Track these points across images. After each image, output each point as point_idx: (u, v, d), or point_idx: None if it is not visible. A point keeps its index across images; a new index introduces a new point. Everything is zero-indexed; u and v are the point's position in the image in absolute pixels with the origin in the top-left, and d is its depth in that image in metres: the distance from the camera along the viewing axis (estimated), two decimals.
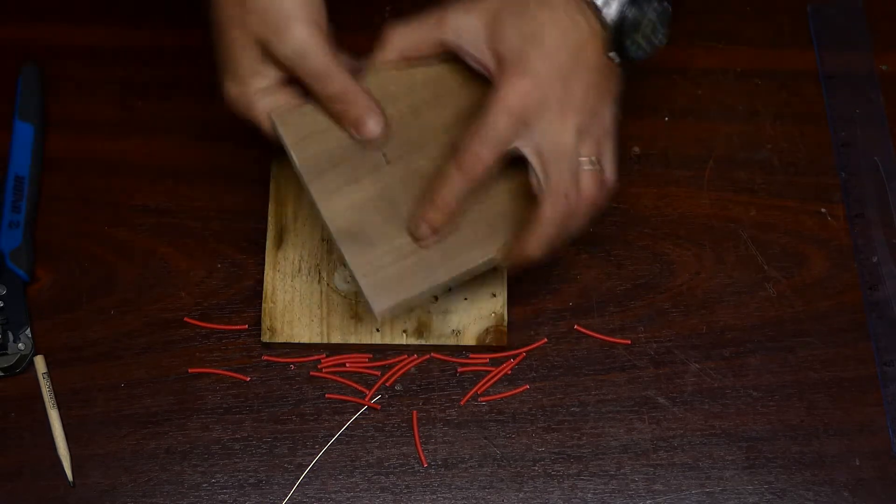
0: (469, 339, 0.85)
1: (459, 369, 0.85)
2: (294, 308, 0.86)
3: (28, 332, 0.85)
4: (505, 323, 0.86)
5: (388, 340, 0.85)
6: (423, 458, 0.83)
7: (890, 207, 0.90)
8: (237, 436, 0.83)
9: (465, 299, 0.86)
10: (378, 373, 0.85)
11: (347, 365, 0.85)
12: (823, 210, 0.91)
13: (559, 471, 0.83)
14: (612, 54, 0.76)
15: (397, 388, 0.85)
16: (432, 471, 0.83)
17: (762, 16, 0.97)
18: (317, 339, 0.85)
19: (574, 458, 0.83)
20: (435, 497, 0.82)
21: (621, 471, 0.83)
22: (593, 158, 0.76)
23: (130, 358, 0.85)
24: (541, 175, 0.75)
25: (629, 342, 0.86)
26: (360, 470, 0.83)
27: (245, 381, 0.85)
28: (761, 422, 0.85)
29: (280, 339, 0.85)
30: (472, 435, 0.84)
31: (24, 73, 0.91)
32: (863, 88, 0.94)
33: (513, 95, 0.73)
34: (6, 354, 0.84)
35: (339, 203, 0.77)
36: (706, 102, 0.94)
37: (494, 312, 0.86)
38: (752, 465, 0.83)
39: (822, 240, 0.90)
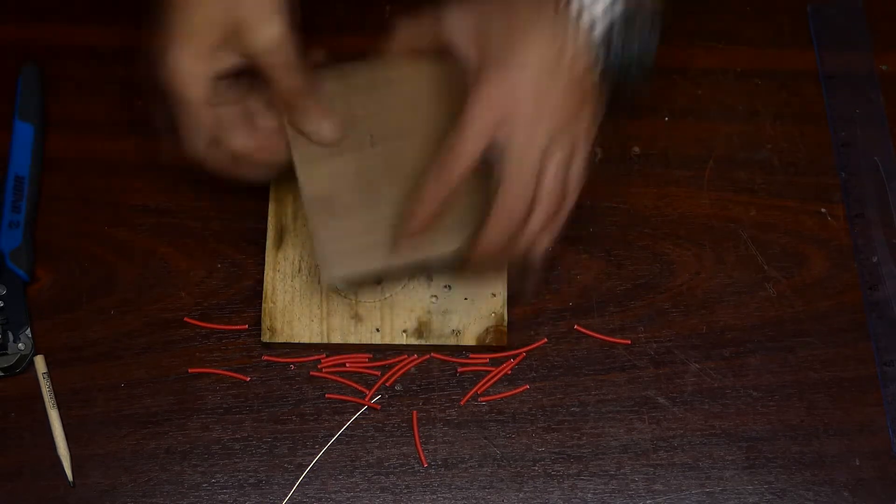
0: (469, 339, 0.85)
1: (459, 369, 0.85)
2: (294, 308, 0.86)
3: (28, 332, 0.85)
4: (505, 323, 0.86)
5: (388, 340, 0.85)
6: (423, 458, 0.83)
7: (890, 207, 0.90)
8: (237, 436, 0.83)
9: (466, 299, 0.86)
10: (378, 373, 0.85)
11: (347, 365, 0.85)
12: (823, 210, 0.91)
13: (559, 471, 0.83)
14: (595, 70, 0.77)
15: (397, 388, 0.85)
16: (432, 471, 0.83)
17: (762, 16, 0.97)
18: (317, 339, 0.85)
19: (574, 458, 0.83)
20: (435, 497, 0.82)
21: (621, 471, 0.83)
22: (558, 162, 0.77)
23: (130, 358, 0.85)
24: (504, 169, 0.76)
25: (629, 342, 0.86)
26: (360, 470, 0.83)
27: (245, 381, 0.85)
28: (761, 422, 0.85)
29: (280, 339, 0.85)
30: (472, 435, 0.84)
31: (24, 73, 0.91)
32: (863, 88, 0.94)
33: (493, 92, 0.75)
34: (6, 354, 0.84)
35: (316, 171, 0.80)
36: (706, 102, 0.94)
37: (494, 312, 0.86)
38: (752, 465, 0.83)
39: (822, 240, 0.90)
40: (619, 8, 0.76)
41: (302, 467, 0.83)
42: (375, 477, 0.83)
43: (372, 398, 0.85)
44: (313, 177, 0.80)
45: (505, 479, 0.83)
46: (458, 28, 0.78)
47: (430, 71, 0.81)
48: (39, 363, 0.85)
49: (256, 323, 0.86)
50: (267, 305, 0.85)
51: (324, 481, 0.83)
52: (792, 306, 0.88)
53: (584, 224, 0.89)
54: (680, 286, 0.88)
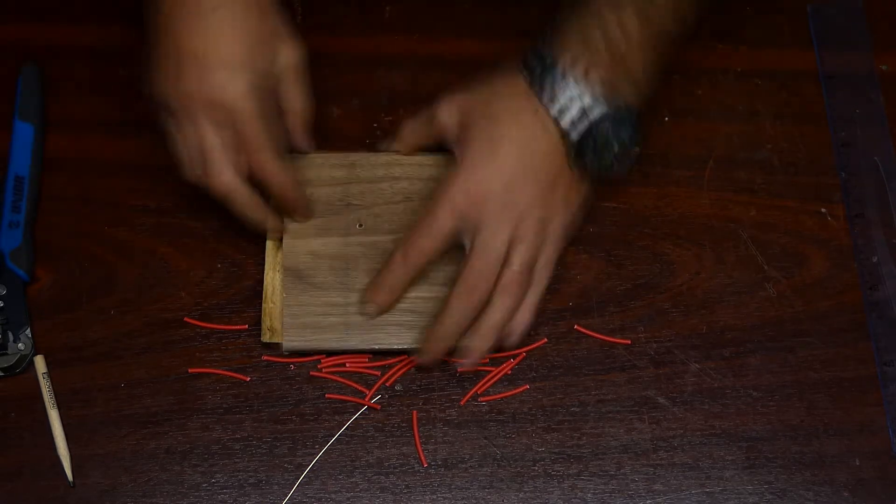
0: None
1: (459, 369, 0.85)
2: None
3: (28, 332, 0.85)
4: None
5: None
6: (423, 458, 0.83)
7: (890, 207, 0.90)
8: (237, 436, 0.83)
9: None
10: (378, 373, 0.85)
11: (347, 365, 0.85)
12: (823, 210, 0.91)
13: (559, 471, 0.83)
14: (574, 168, 0.81)
15: (397, 388, 0.85)
16: (432, 471, 0.83)
17: (762, 16, 0.97)
18: None
19: (574, 458, 0.83)
20: (435, 497, 0.82)
21: (621, 471, 0.83)
22: (522, 253, 0.81)
23: (130, 358, 0.85)
24: (468, 254, 0.81)
25: (629, 342, 0.86)
26: (360, 470, 0.83)
27: (245, 381, 0.85)
28: (761, 422, 0.85)
29: (280, 339, 0.85)
30: (472, 435, 0.84)
31: (24, 73, 0.91)
32: (863, 88, 0.94)
33: (457, 192, 0.80)
34: (6, 354, 0.84)
35: (301, 245, 0.86)
36: (706, 102, 0.94)
37: None
38: (752, 465, 0.83)
39: (822, 240, 0.90)
40: (598, 111, 0.80)
41: (302, 467, 0.83)
42: (375, 477, 0.83)
43: (372, 398, 0.85)
44: (297, 250, 0.86)
45: (505, 479, 0.83)
46: (447, 119, 0.83)
47: (432, 170, 0.87)
48: (39, 363, 0.85)
49: (256, 323, 0.86)
50: (267, 305, 0.85)
51: (324, 481, 0.83)
52: (792, 306, 0.88)
53: (584, 224, 0.89)
54: (680, 286, 0.88)
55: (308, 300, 0.85)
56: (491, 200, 0.80)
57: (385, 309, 0.84)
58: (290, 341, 0.84)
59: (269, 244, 0.87)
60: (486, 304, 0.81)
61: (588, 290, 0.88)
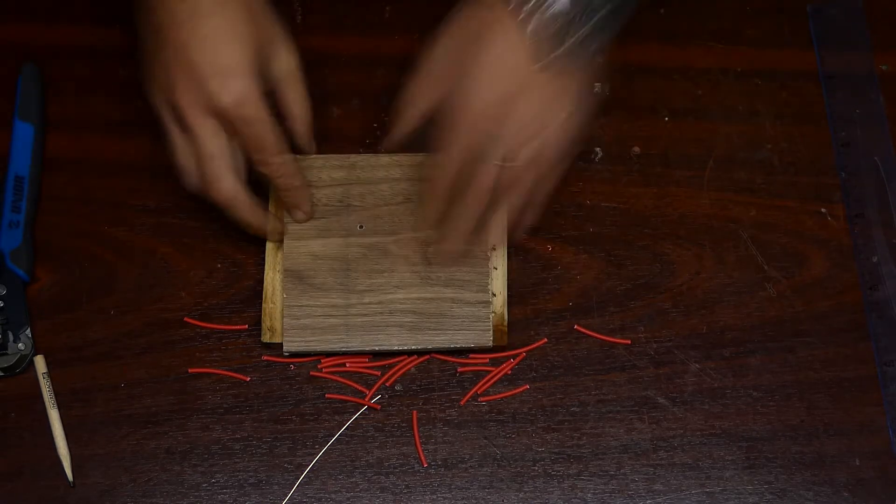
0: None
1: (459, 369, 0.85)
2: None
3: (28, 332, 0.85)
4: (505, 323, 0.86)
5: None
6: (423, 458, 0.83)
7: (890, 207, 0.90)
8: (237, 436, 0.83)
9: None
10: (378, 373, 0.85)
11: (347, 365, 0.85)
12: (823, 210, 0.91)
13: (559, 471, 0.83)
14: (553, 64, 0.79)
15: (397, 388, 0.85)
16: (432, 471, 0.83)
17: (762, 16, 0.97)
18: None
19: (574, 458, 0.83)
20: (435, 497, 0.82)
21: (621, 471, 0.83)
22: (525, 160, 0.80)
23: (130, 358, 0.85)
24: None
25: (629, 342, 0.86)
26: (360, 470, 0.83)
27: (245, 381, 0.85)
28: (761, 422, 0.85)
29: (280, 339, 0.85)
30: (472, 435, 0.84)
31: (24, 73, 0.91)
32: (863, 88, 0.94)
33: (461, 116, 0.79)
34: (6, 354, 0.84)
35: (301, 247, 0.85)
36: (706, 102, 0.94)
37: (494, 312, 0.86)
38: (752, 465, 0.83)
39: (822, 240, 0.90)
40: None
41: (302, 467, 0.83)
42: (375, 477, 0.83)
43: (372, 398, 0.85)
44: (297, 251, 0.86)
45: (505, 479, 0.83)
46: (436, 56, 0.81)
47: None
48: (39, 363, 0.85)
49: (256, 323, 0.86)
50: (267, 305, 0.86)
51: (324, 481, 0.83)
52: (792, 306, 0.88)
53: (584, 224, 0.90)
54: (680, 286, 0.88)
55: (308, 302, 0.85)
56: (489, 115, 0.78)
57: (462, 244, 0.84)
58: (290, 343, 0.84)
59: (270, 244, 0.87)
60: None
61: (588, 290, 0.88)
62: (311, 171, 0.87)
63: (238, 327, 0.86)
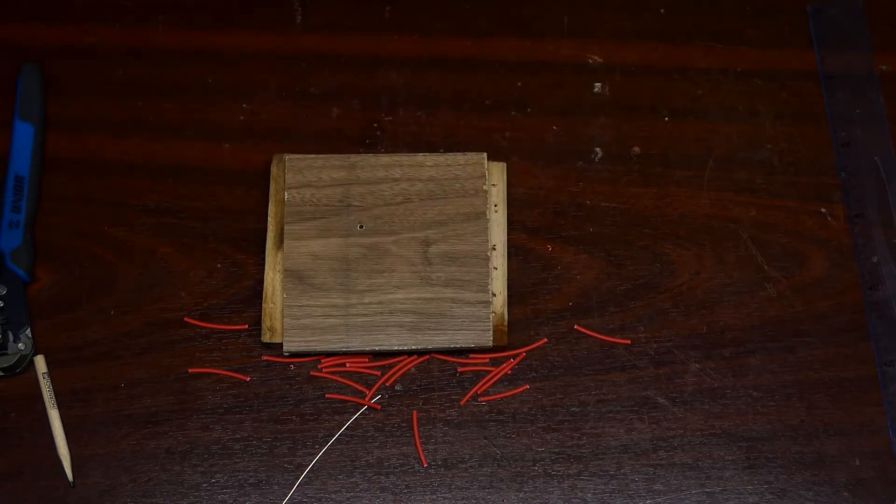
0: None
1: (459, 369, 0.85)
2: None
3: (28, 332, 0.85)
4: (505, 323, 0.86)
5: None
6: (423, 458, 0.83)
7: (890, 207, 0.90)
8: (237, 436, 0.83)
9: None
10: (378, 373, 0.85)
11: (347, 365, 0.85)
12: (823, 210, 0.91)
13: (559, 471, 0.83)
14: None
15: (397, 388, 0.85)
16: (432, 471, 0.83)
17: (762, 16, 0.97)
18: None
19: (574, 458, 0.83)
20: (435, 497, 0.82)
21: (621, 471, 0.83)
22: None
23: (130, 358, 0.85)
24: None
25: (629, 342, 0.86)
26: (360, 470, 0.83)
27: (245, 381, 0.85)
28: (761, 422, 0.85)
29: (280, 339, 0.85)
30: (472, 435, 0.84)
31: (24, 73, 0.91)
32: (863, 88, 0.94)
33: None
34: (6, 354, 0.84)
35: (301, 247, 0.86)
36: (706, 102, 0.94)
37: (494, 312, 0.86)
38: (752, 465, 0.83)
39: (822, 240, 0.90)
40: None
41: (302, 467, 0.83)
42: (375, 477, 0.83)
43: (372, 398, 0.85)
44: (296, 252, 0.86)
45: (505, 479, 0.83)
46: None
47: (432, 171, 0.87)
48: (39, 363, 0.85)
49: (256, 323, 0.86)
50: (267, 305, 0.86)
51: (324, 481, 0.83)
52: (792, 306, 0.88)
53: (584, 224, 0.90)
54: (680, 286, 0.88)
55: (308, 302, 0.85)
56: None
57: None
58: (290, 343, 0.84)
59: (270, 244, 0.87)
60: None
61: (588, 290, 0.88)
62: (311, 171, 0.87)
63: (238, 327, 0.86)
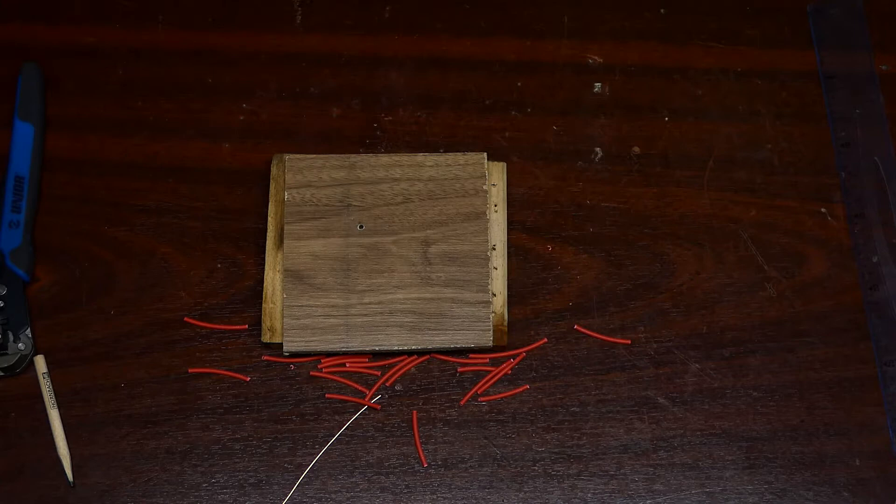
0: None
1: (459, 369, 0.85)
2: None
3: (28, 332, 0.85)
4: (505, 323, 0.86)
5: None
6: (423, 458, 0.83)
7: (890, 207, 0.90)
8: (237, 436, 0.83)
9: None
10: (378, 373, 0.85)
11: (347, 365, 0.85)
12: (823, 210, 0.91)
13: (559, 471, 0.83)
14: None
15: (397, 388, 0.85)
16: (432, 471, 0.83)
17: (762, 16, 0.97)
18: None
19: (574, 458, 0.83)
20: (435, 497, 0.82)
21: (621, 471, 0.83)
22: None
23: (130, 358, 0.85)
24: None
25: (629, 342, 0.86)
26: (360, 470, 0.83)
27: (245, 381, 0.85)
28: (761, 422, 0.85)
29: (280, 339, 0.85)
30: (472, 435, 0.84)
31: (24, 73, 0.91)
32: (863, 88, 0.94)
33: None
34: (6, 354, 0.84)
35: (301, 247, 0.85)
36: (706, 102, 0.94)
37: (494, 312, 0.86)
38: (752, 465, 0.83)
39: (822, 240, 0.90)
40: None
41: (302, 467, 0.83)
42: (375, 477, 0.83)
43: (372, 398, 0.85)
44: (296, 252, 0.85)
45: (505, 479, 0.83)
46: None
47: (432, 171, 0.87)
48: (39, 363, 0.85)
49: (256, 323, 0.86)
50: (267, 305, 0.86)
51: (324, 481, 0.83)
52: (792, 306, 0.88)
53: (584, 224, 0.90)
54: (680, 286, 0.88)
55: (308, 302, 0.85)
56: None
57: None
58: (290, 343, 0.84)
59: (269, 244, 0.87)
60: None
61: (588, 290, 0.88)
62: (311, 171, 0.87)
63: (238, 327, 0.86)
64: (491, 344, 0.85)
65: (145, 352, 0.85)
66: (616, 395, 0.85)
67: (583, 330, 0.87)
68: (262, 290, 0.86)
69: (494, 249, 0.87)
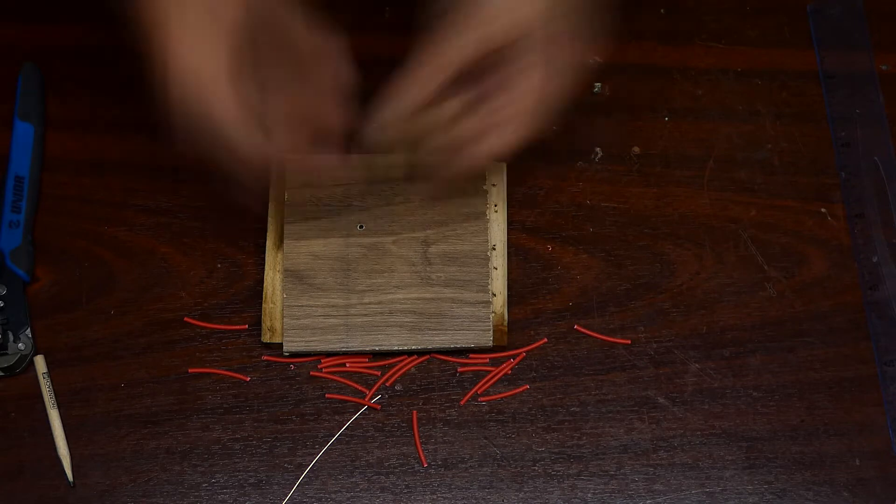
0: None
1: (459, 369, 0.85)
2: None
3: (28, 332, 0.85)
4: (505, 323, 0.86)
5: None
6: (423, 458, 0.83)
7: (890, 207, 0.90)
8: (237, 436, 0.83)
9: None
10: (378, 373, 0.85)
11: (347, 365, 0.85)
12: (823, 210, 0.91)
13: (559, 471, 0.83)
14: None
15: (397, 388, 0.85)
16: (432, 471, 0.83)
17: (762, 16, 0.97)
18: None
19: (574, 458, 0.83)
20: (435, 497, 0.82)
21: (621, 471, 0.83)
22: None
23: (130, 358, 0.85)
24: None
25: (629, 342, 0.86)
26: (360, 470, 0.83)
27: (245, 381, 0.85)
28: (761, 422, 0.85)
29: (280, 339, 0.85)
30: (472, 435, 0.84)
31: (24, 73, 0.91)
32: (863, 88, 0.94)
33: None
34: (6, 354, 0.84)
35: (301, 247, 0.85)
36: (706, 102, 0.94)
37: (494, 312, 0.86)
38: (752, 465, 0.83)
39: (822, 240, 0.90)
40: None
41: (302, 467, 0.83)
42: (375, 477, 0.83)
43: (372, 398, 0.85)
44: (296, 252, 0.85)
45: (505, 479, 0.83)
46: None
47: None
48: (39, 363, 0.85)
49: (256, 323, 0.86)
50: (267, 305, 0.86)
51: (324, 481, 0.83)
52: (792, 306, 0.88)
53: (584, 224, 0.90)
54: (680, 286, 0.88)
55: (308, 302, 0.85)
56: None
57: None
58: (290, 343, 0.84)
59: (270, 244, 0.87)
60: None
61: (588, 290, 0.88)
62: (312, 171, 0.87)
63: (238, 327, 0.86)
64: (491, 344, 0.85)
65: (145, 352, 0.85)
66: (616, 395, 0.85)
67: (583, 330, 0.87)
68: (262, 290, 0.86)
69: (494, 249, 0.87)
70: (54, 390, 0.84)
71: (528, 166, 0.91)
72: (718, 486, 0.83)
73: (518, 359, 0.86)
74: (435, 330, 0.84)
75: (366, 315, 0.85)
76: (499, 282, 0.86)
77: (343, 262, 0.86)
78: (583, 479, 0.83)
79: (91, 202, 0.90)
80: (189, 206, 0.89)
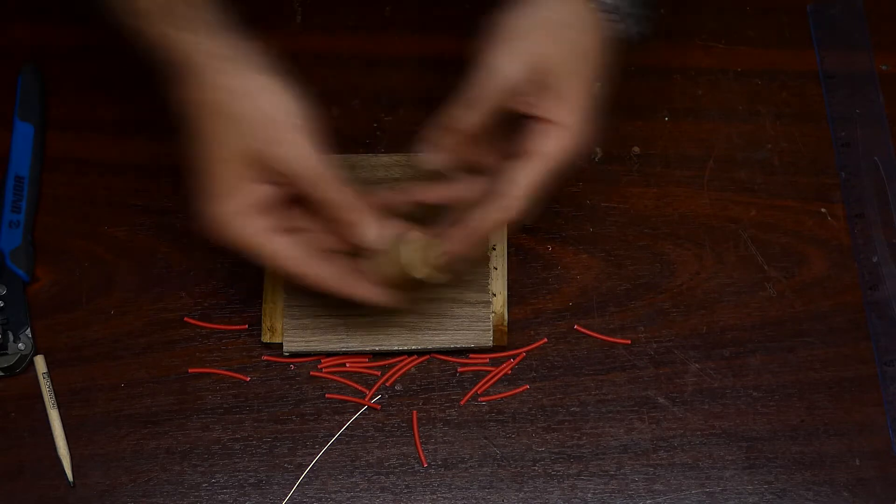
0: None
1: (459, 369, 0.85)
2: None
3: (28, 332, 0.85)
4: (505, 323, 0.86)
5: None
6: (423, 458, 0.83)
7: (890, 207, 0.90)
8: (237, 436, 0.83)
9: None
10: (378, 373, 0.85)
11: (347, 365, 0.85)
12: (823, 210, 0.91)
13: (559, 471, 0.83)
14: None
15: (397, 388, 0.85)
16: (432, 471, 0.83)
17: (762, 16, 0.97)
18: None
19: (574, 458, 0.83)
20: (435, 497, 0.82)
21: (621, 471, 0.83)
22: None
23: (130, 358, 0.85)
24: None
25: (629, 342, 0.86)
26: (360, 470, 0.83)
27: (245, 381, 0.85)
28: (761, 422, 0.85)
29: (280, 339, 0.85)
30: (472, 435, 0.84)
31: (24, 73, 0.91)
32: (863, 88, 0.94)
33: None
34: (6, 354, 0.84)
35: None
36: (706, 102, 0.94)
37: (494, 312, 0.86)
38: (752, 465, 0.83)
39: (822, 240, 0.90)
40: None
41: (302, 467, 0.83)
42: (375, 477, 0.83)
43: (372, 398, 0.85)
44: None
45: (505, 479, 0.83)
46: (512, 70, 0.77)
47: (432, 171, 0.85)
48: (39, 363, 0.85)
49: (256, 323, 0.86)
50: (267, 306, 0.86)
51: (324, 481, 0.83)
52: (792, 306, 0.88)
53: (584, 224, 0.90)
54: (680, 286, 0.88)
55: (308, 302, 0.85)
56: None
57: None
58: (290, 343, 0.84)
59: None
60: None
61: (588, 290, 0.88)
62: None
63: (238, 327, 0.86)
64: (491, 344, 0.85)
65: (145, 352, 0.85)
66: (616, 395, 0.85)
67: (583, 330, 0.87)
68: (262, 290, 0.86)
69: (494, 249, 0.87)
70: (54, 390, 0.84)
71: None
72: (718, 486, 0.83)
73: (518, 359, 0.86)
74: (435, 330, 0.84)
75: (366, 315, 0.85)
76: (499, 282, 0.86)
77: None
78: (583, 479, 0.83)
79: (91, 202, 0.90)
80: (189, 207, 0.89)
